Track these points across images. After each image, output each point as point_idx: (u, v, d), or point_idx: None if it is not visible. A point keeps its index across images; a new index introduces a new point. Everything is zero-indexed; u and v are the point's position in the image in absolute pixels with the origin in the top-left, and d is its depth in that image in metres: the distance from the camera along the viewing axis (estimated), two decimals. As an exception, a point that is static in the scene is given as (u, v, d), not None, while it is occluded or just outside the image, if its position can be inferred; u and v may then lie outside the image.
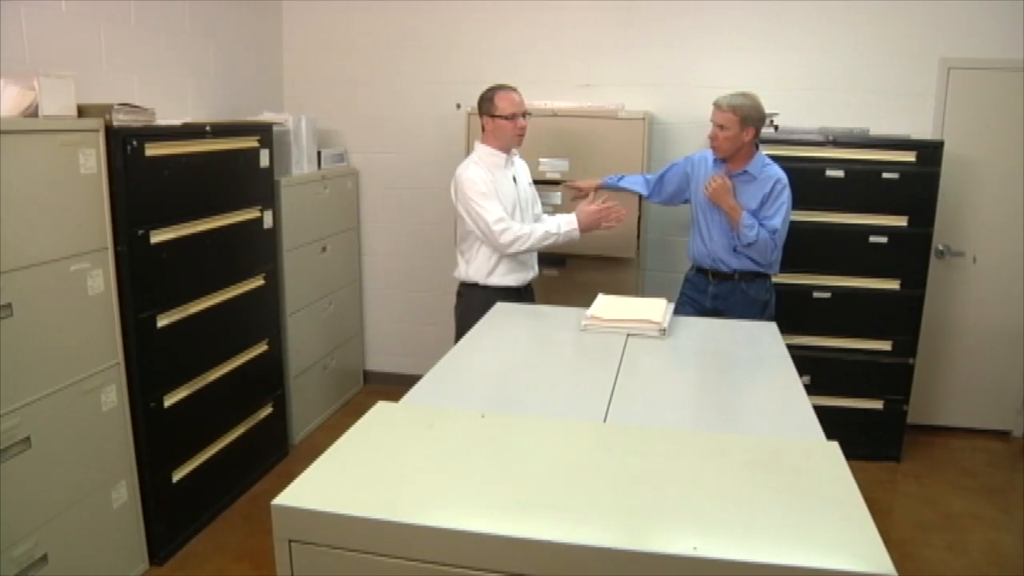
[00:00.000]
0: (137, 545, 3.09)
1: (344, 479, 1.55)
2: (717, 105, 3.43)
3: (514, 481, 1.56)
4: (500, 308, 3.06)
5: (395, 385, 5.03)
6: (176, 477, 3.23)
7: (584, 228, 3.41)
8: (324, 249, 4.46)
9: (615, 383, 2.21)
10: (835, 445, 1.78)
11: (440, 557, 1.37)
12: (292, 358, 4.15)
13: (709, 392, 2.36)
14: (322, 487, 1.51)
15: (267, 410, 3.90)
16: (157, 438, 3.10)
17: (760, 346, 2.69)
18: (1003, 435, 4.70)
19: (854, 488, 1.57)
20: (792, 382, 2.31)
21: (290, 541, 1.42)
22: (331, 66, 4.85)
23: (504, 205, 3.35)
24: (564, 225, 3.37)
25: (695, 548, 1.32)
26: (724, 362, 2.61)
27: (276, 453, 4.05)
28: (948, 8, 4.21)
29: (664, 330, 2.70)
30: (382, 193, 4.96)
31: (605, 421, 1.96)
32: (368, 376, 5.21)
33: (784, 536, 1.39)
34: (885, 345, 4.20)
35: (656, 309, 2.86)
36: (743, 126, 3.38)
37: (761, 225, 3.40)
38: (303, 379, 4.30)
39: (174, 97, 3.77)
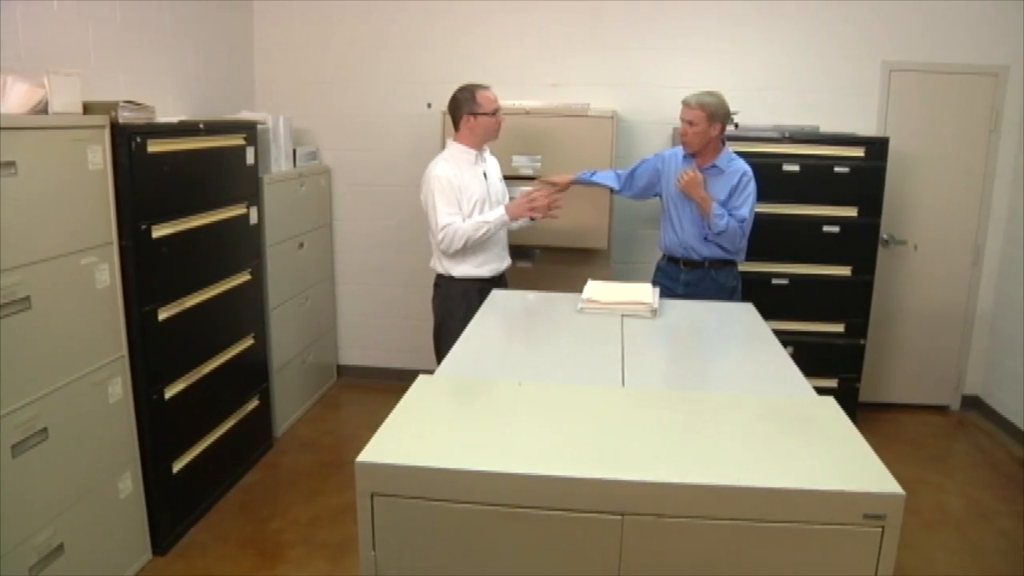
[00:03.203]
0: (141, 535, 3.14)
1: (412, 438, 1.70)
2: (686, 103, 3.64)
3: (563, 434, 1.74)
4: (496, 295, 3.22)
5: (368, 379, 5.21)
6: (176, 468, 3.29)
7: (513, 216, 3.51)
8: (301, 245, 4.54)
9: (623, 355, 2.39)
10: (831, 399, 2.00)
11: (507, 499, 1.53)
12: (275, 352, 4.22)
13: (708, 361, 2.58)
14: (395, 446, 1.65)
15: (254, 403, 3.97)
16: (159, 430, 3.16)
17: (743, 323, 2.91)
18: (943, 409, 5.07)
19: (856, 432, 1.80)
20: (779, 351, 2.53)
21: (372, 495, 1.55)
22: (302, 66, 4.92)
23: (467, 203, 3.49)
24: (494, 214, 3.50)
25: (738, 479, 1.51)
26: (716, 336, 2.83)
27: (262, 445, 4.12)
28: (890, 15, 4.56)
29: (655, 310, 2.90)
30: (354, 190, 5.06)
31: (624, 386, 2.13)
32: (341, 370, 5.30)
33: (808, 469, 1.60)
34: (838, 327, 4.49)
35: (644, 292, 3.07)
36: (710, 122, 3.60)
37: (730, 215, 3.62)
38: (284, 373, 4.37)
39: (156, 96, 3.79)
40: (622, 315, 2.85)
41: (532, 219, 3.65)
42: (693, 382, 2.33)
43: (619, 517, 1.50)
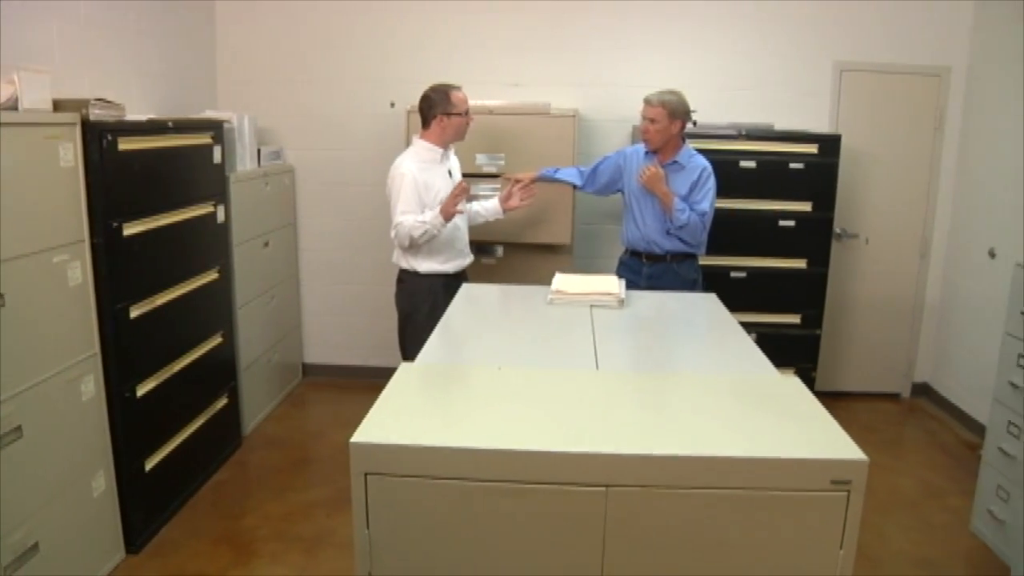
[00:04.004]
0: (114, 534, 3.13)
1: (402, 419, 1.77)
2: (648, 101, 3.75)
3: (545, 413, 1.82)
4: (467, 288, 3.29)
5: (334, 376, 5.23)
6: (149, 466, 3.29)
7: (445, 214, 3.53)
8: (267, 244, 4.55)
9: (595, 342, 2.47)
10: (796, 378, 2.11)
11: (497, 475, 1.60)
12: (242, 350, 4.23)
13: (677, 346, 2.68)
14: (386, 427, 1.71)
15: (223, 401, 3.98)
16: (132, 427, 3.16)
17: (707, 312, 3.03)
18: (894, 397, 5.26)
19: (820, 406, 1.91)
20: (743, 337, 2.64)
21: (366, 474, 1.60)
22: (265, 65, 4.93)
23: (432, 200, 3.55)
24: (430, 215, 3.52)
25: (715, 450, 1.60)
26: (682, 324, 2.94)
27: (231, 443, 4.13)
28: (841, 18, 4.75)
29: (622, 300, 2.99)
30: (318, 189, 5.08)
31: (598, 370, 2.22)
32: (307, 369, 5.31)
33: (778, 440, 1.71)
34: (795, 319, 4.65)
35: (611, 283, 3.17)
36: (671, 119, 3.72)
37: (691, 209, 3.73)
38: (251, 371, 4.38)
39: (120, 95, 3.77)
40: (591, 305, 2.94)
41: (458, 213, 3.61)
42: (664, 366, 2.43)
43: (603, 489, 1.58)
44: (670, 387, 2.06)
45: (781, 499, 1.58)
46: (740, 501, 1.58)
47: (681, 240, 3.81)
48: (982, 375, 4.27)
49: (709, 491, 1.58)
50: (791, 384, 2.07)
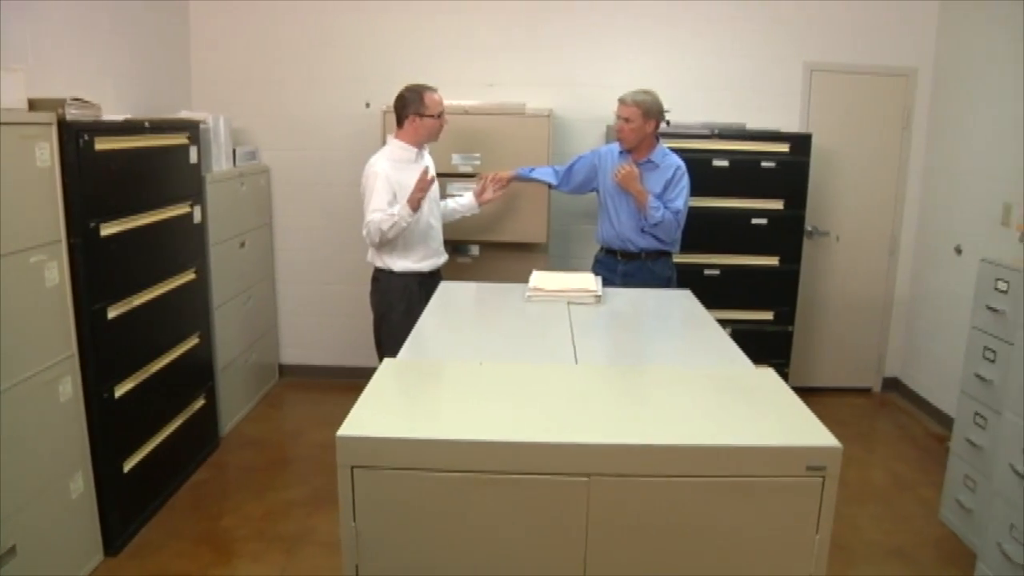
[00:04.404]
0: (93, 536, 3.12)
1: (387, 413, 1.80)
2: (622, 101, 3.79)
3: (528, 405, 1.86)
4: (445, 286, 3.31)
5: (310, 376, 5.23)
6: (127, 467, 3.28)
7: (411, 204, 3.53)
8: (243, 245, 4.54)
9: (573, 337, 2.51)
10: (771, 370, 2.16)
11: (482, 466, 1.63)
12: (219, 351, 4.22)
13: (654, 341, 2.74)
14: (372, 420, 1.73)
15: (200, 402, 3.97)
16: (110, 428, 3.14)
17: (683, 308, 3.08)
18: (866, 391, 5.37)
19: (795, 397, 1.97)
20: (719, 332, 2.69)
21: (352, 467, 1.62)
22: (239, 65, 4.92)
23: (404, 199, 3.55)
24: (398, 207, 3.54)
25: (695, 439, 1.65)
26: (659, 320, 2.99)
27: (209, 444, 4.12)
28: (811, 20, 4.84)
29: (599, 297, 3.04)
30: (293, 190, 5.08)
31: (577, 364, 2.25)
32: (283, 369, 5.30)
33: (756, 428, 1.76)
34: (768, 315, 4.72)
35: (588, 281, 3.22)
36: (645, 119, 3.76)
37: (666, 207, 3.78)
38: (228, 372, 4.37)
39: (95, 95, 3.76)
40: (568, 302, 2.98)
41: (421, 199, 3.59)
42: (642, 359, 2.48)
43: (586, 478, 1.61)
44: (648, 380, 2.11)
45: (759, 485, 1.63)
46: (719, 488, 1.62)
47: (656, 238, 3.86)
48: (950, 369, 4.37)
49: (689, 479, 1.62)
50: (766, 376, 2.13)
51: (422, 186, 3.52)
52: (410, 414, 1.81)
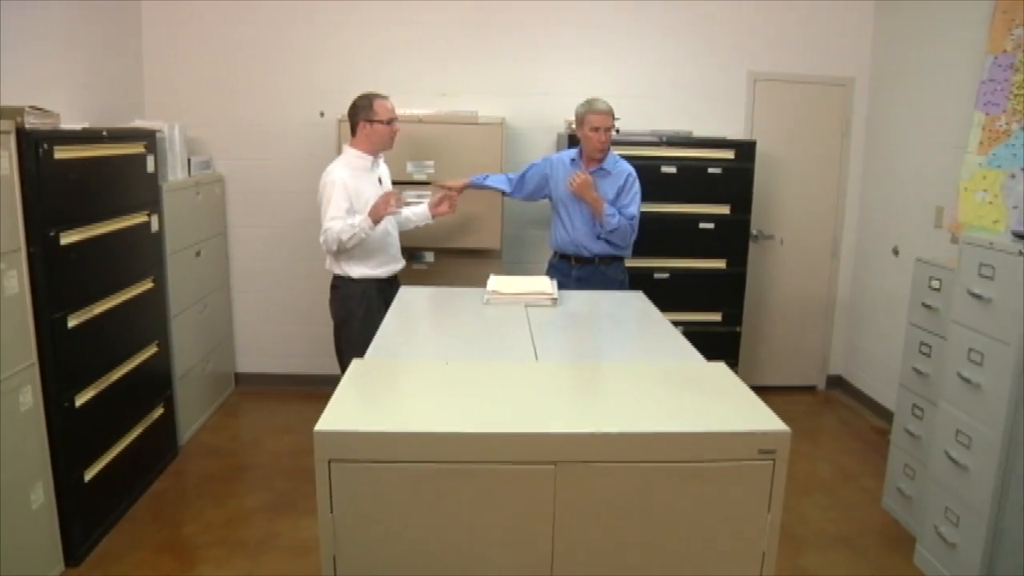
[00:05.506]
0: (53, 547, 3.10)
1: (361, 409, 1.87)
2: (602, 111, 3.85)
3: (494, 400, 1.95)
4: (405, 291, 3.37)
5: (266, 385, 5.24)
6: (88, 476, 3.27)
7: (373, 215, 3.60)
8: (198, 254, 4.54)
9: (532, 337, 2.60)
10: (723, 364, 2.28)
11: (454, 456, 1.70)
12: (177, 359, 4.21)
13: (610, 339, 2.85)
14: (347, 416, 1.79)
15: (159, 410, 3.97)
16: (70, 438, 3.14)
17: (636, 308, 3.19)
18: (811, 389, 5.56)
19: (746, 387, 2.08)
20: (671, 329, 2.80)
21: (330, 461, 1.68)
22: (192, 74, 4.92)
23: (363, 207, 3.62)
24: (359, 218, 3.59)
25: (654, 427, 1.75)
26: (614, 320, 3.10)
27: (168, 453, 4.11)
28: (754, 30, 5.04)
29: (555, 299, 3.13)
30: (248, 199, 5.09)
31: (538, 361, 2.34)
32: (239, 378, 5.30)
33: (710, 416, 1.87)
34: (716, 316, 4.88)
35: (544, 284, 3.31)
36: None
37: (620, 213, 3.90)
38: (186, 380, 4.36)
39: (48, 103, 3.75)
40: (526, 305, 3.07)
41: (395, 212, 3.72)
42: (600, 357, 2.59)
43: (553, 466, 1.70)
44: (607, 374, 2.21)
45: (714, 469, 1.73)
46: (678, 472, 1.72)
47: (610, 243, 3.97)
48: (890, 365, 4.57)
49: (650, 464, 1.72)
50: (718, 369, 2.25)
51: (389, 209, 3.58)
52: (383, 409, 1.88)
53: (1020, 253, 2.75)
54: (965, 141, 3.98)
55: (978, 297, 2.95)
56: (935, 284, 3.43)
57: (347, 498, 1.70)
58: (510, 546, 1.74)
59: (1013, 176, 3.71)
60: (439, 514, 1.72)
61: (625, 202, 3.93)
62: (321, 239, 3.63)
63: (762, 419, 1.83)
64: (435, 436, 1.70)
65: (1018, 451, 2.78)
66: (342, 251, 3.63)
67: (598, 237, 3.96)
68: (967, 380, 2.99)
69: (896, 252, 4.80)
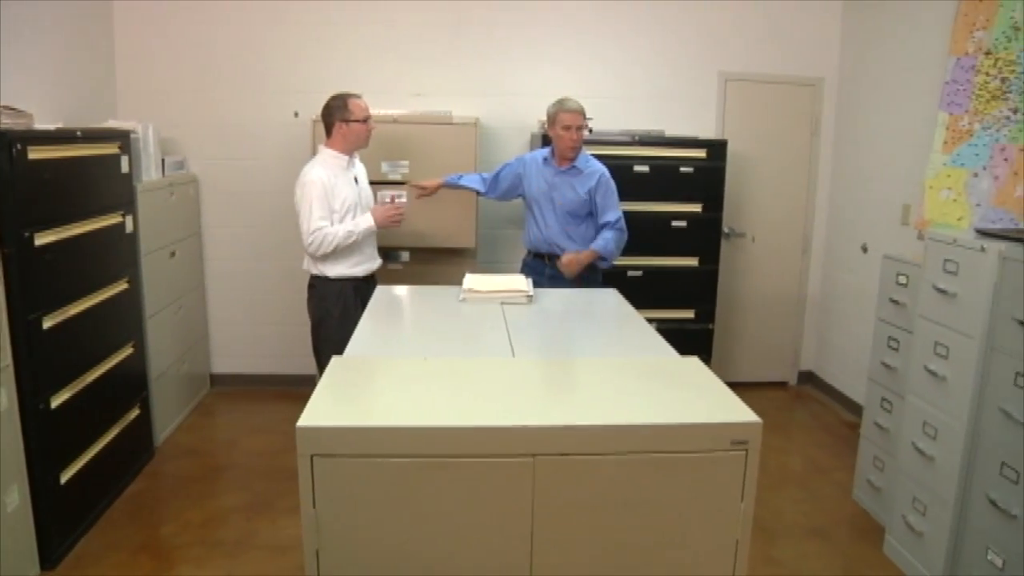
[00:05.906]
0: (29, 550, 3.08)
1: (343, 405, 1.90)
2: (577, 110, 3.87)
3: (473, 394, 1.98)
4: (382, 290, 3.39)
5: (241, 386, 5.23)
6: (64, 479, 3.26)
7: (379, 224, 3.73)
8: (173, 254, 4.53)
9: (509, 334, 2.63)
10: (696, 358, 2.33)
11: (434, 450, 1.73)
12: (152, 360, 4.20)
13: (585, 335, 2.88)
14: (329, 412, 1.82)
15: (135, 411, 3.96)
16: (46, 440, 3.13)
17: (610, 305, 3.24)
18: (782, 385, 5.65)
19: (719, 381, 2.13)
20: (644, 325, 2.85)
21: (312, 456, 1.71)
22: (165, 74, 4.90)
23: (340, 207, 3.66)
24: (362, 223, 3.70)
25: (630, 419, 1.79)
26: (588, 316, 3.14)
27: (144, 454, 4.10)
28: (724, 31, 5.12)
29: (531, 297, 3.17)
30: (222, 199, 5.08)
31: (515, 357, 2.38)
32: (214, 379, 5.28)
33: (685, 408, 1.92)
34: (689, 314, 4.95)
35: (519, 282, 3.35)
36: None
37: (606, 223, 3.92)
38: (161, 381, 4.35)
39: (20, 103, 3.74)
40: (501, 302, 3.10)
41: (393, 225, 3.85)
42: (575, 353, 2.62)
43: (531, 458, 1.73)
44: (584, 369, 2.26)
45: (689, 460, 1.78)
46: (653, 463, 1.77)
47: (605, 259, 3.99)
48: (859, 360, 4.66)
49: (626, 456, 1.76)
50: (691, 363, 2.30)
51: (395, 218, 3.75)
52: (364, 405, 1.91)
53: (982, 249, 2.83)
54: (930, 140, 4.08)
55: (943, 292, 3.03)
56: (902, 280, 3.51)
57: (329, 493, 1.72)
58: (491, 536, 1.77)
59: (976, 175, 3.81)
60: (421, 506, 1.75)
61: (607, 207, 3.92)
62: (308, 240, 3.61)
63: (734, 411, 1.88)
64: (416, 430, 1.73)
65: (980, 441, 2.86)
66: (329, 254, 3.65)
67: (569, 236, 3.97)
68: (933, 373, 3.07)
69: (865, 249, 4.89)
